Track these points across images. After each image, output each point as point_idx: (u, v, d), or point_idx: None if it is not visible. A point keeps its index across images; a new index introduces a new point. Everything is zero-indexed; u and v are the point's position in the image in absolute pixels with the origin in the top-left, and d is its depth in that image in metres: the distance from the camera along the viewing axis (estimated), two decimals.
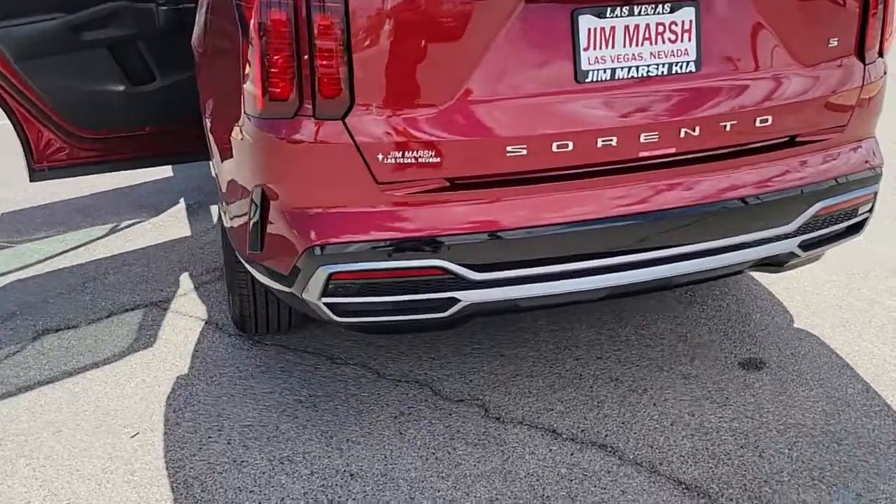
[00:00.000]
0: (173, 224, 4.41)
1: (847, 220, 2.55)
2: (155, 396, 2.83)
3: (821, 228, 2.48)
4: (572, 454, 2.46)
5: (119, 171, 4.18)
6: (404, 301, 2.20)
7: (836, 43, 2.36)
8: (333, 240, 2.14)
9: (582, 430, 2.57)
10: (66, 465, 2.51)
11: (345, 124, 2.08)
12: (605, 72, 2.15)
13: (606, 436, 2.54)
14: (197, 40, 2.87)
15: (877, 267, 3.53)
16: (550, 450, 2.49)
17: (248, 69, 2.15)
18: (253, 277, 2.72)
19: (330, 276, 2.14)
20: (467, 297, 2.20)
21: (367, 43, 2.04)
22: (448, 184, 2.15)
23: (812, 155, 2.42)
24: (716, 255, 2.34)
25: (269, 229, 2.27)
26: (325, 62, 2.02)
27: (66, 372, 3.01)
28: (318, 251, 2.14)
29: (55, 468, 2.49)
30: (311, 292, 2.20)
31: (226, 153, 2.47)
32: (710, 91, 2.24)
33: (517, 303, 2.28)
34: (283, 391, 2.83)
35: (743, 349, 2.98)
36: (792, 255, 2.48)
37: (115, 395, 2.84)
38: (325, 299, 2.19)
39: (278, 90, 2.06)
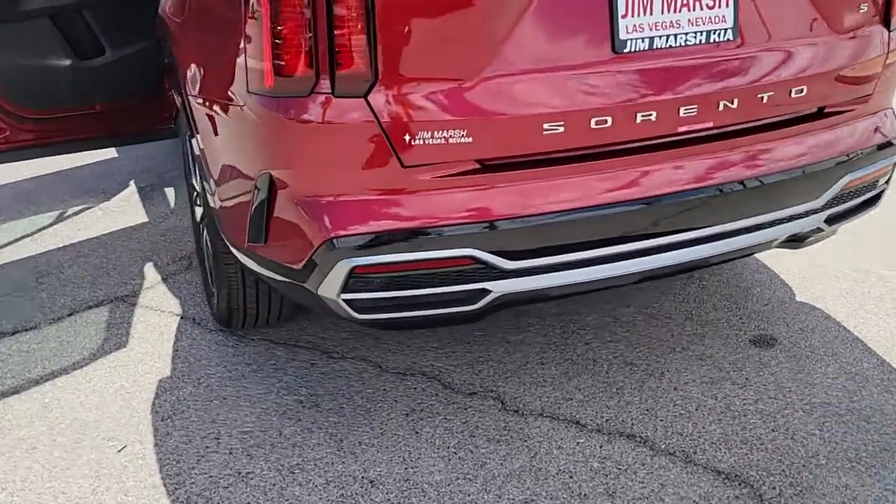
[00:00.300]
0: (126, 209, 4.09)
1: (868, 192, 2.48)
2: (138, 404, 2.58)
3: (846, 202, 2.40)
4: (601, 447, 2.34)
5: (66, 153, 3.85)
6: (432, 294, 2.02)
7: (865, 9, 2.26)
8: (355, 230, 1.94)
9: (606, 420, 2.45)
10: (48, 487, 2.25)
11: (367, 102, 1.87)
12: (643, 41, 2.00)
13: (633, 425, 2.42)
14: (172, 7, 2.59)
15: (868, 234, 3.51)
16: (578, 443, 2.36)
17: (251, 40, 1.91)
18: (243, 268, 2.49)
19: (352, 270, 1.94)
20: (499, 287, 2.04)
21: (391, 10, 1.83)
22: (479, 166, 1.97)
23: (840, 127, 2.32)
24: (750, 232, 2.23)
25: (277, 219, 2.06)
26: (345, 31, 1.81)
27: (31, 380, 2.72)
28: (337, 243, 1.94)
29: (36, 492, 2.24)
30: (329, 288, 2.00)
31: (218, 134, 2.23)
32: (748, 60, 2.11)
33: (549, 292, 2.13)
34: (280, 391, 2.62)
35: (751, 325, 2.91)
36: (817, 230, 2.39)
37: (92, 405, 2.58)
38: (344, 295, 1.99)
39: (291, 64, 1.84)
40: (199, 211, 3.00)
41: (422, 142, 1.90)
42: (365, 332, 2.90)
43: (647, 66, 2.02)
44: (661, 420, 2.44)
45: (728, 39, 2.08)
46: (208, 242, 2.78)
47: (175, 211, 4.03)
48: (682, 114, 2.05)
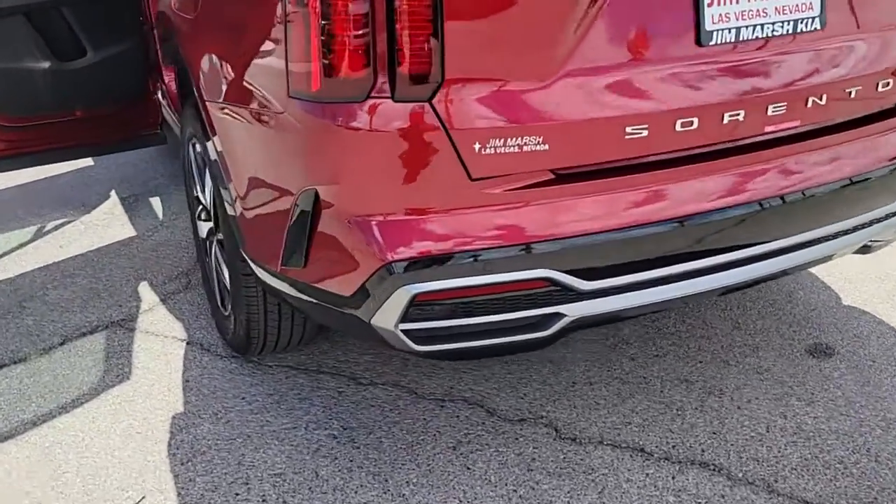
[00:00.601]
0: (111, 222, 3.79)
1: None
2: (152, 445, 2.31)
3: None
4: (673, 477, 2.14)
5: (45, 164, 3.54)
6: (500, 321, 1.80)
7: None
8: (416, 253, 1.70)
9: (673, 447, 2.25)
10: None
11: (432, 107, 1.64)
12: (729, 32, 1.80)
13: (702, 451, 2.23)
14: (180, 2, 2.32)
15: None
16: (647, 474, 2.16)
17: (293, 36, 1.66)
18: (265, 291, 2.25)
19: (413, 298, 1.71)
20: (574, 310, 1.82)
21: (461, 2, 1.59)
22: (553, 176, 1.75)
23: None
24: (836, 238, 2.04)
25: (321, 241, 1.81)
26: (410, 26, 1.57)
27: (26, 422, 2.44)
28: (397, 268, 1.70)
29: None
30: (386, 318, 1.76)
31: (246, 143, 1.97)
32: (836, 52, 1.92)
33: (624, 313, 1.92)
34: (309, 425, 2.37)
35: (803, 333, 2.73)
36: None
37: (99, 448, 2.31)
38: (403, 326, 1.76)
39: (343, 65, 1.60)
40: (204, 226, 2.73)
41: (493, 151, 1.67)
42: (392, 355, 2.66)
43: (733, 60, 1.82)
44: (732, 444, 2.25)
45: (815, 29, 1.89)
46: (221, 262, 2.51)
47: (165, 223, 3.74)
48: (769, 112, 1.85)
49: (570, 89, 1.70)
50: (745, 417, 2.35)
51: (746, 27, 1.81)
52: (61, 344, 2.82)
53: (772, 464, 2.18)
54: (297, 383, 2.55)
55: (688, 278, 1.88)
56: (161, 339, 2.82)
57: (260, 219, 2.00)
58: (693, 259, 1.86)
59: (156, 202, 3.99)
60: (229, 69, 1.99)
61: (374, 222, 1.71)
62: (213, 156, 2.19)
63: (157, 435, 2.35)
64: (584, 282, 1.78)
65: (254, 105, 1.88)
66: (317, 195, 1.76)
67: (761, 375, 2.54)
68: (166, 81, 3.72)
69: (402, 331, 1.77)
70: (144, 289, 3.16)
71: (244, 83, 1.91)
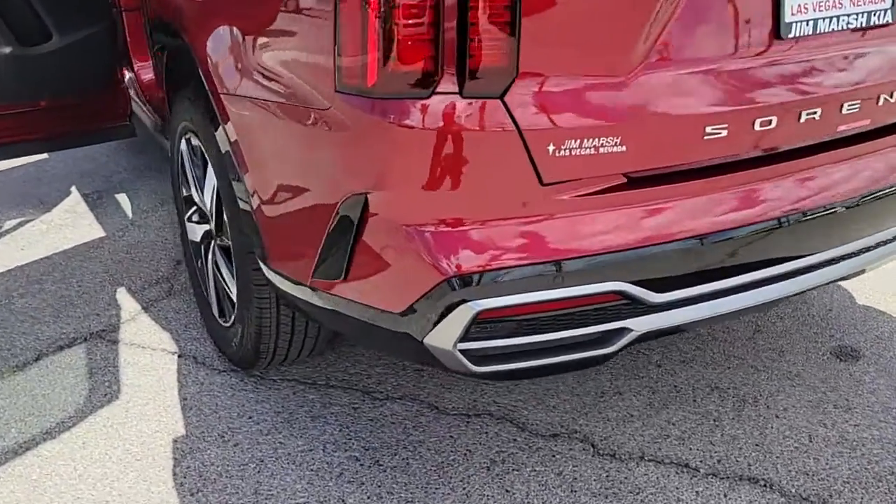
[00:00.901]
0: (75, 222, 3.50)
1: None
2: (155, 474, 2.09)
3: None
4: (725, 496, 2.03)
5: (5, 158, 3.22)
6: (564, 339, 1.64)
7: None
8: (481, 266, 1.53)
9: (718, 461, 2.14)
10: None
11: (504, 104, 1.47)
12: (806, 24, 1.67)
13: (749, 465, 2.12)
14: None
15: None
16: (697, 492, 2.04)
17: (343, 24, 1.47)
18: (278, 302, 2.05)
19: (476, 315, 1.54)
20: (641, 324, 1.68)
21: None
22: (626, 180, 1.60)
23: None
24: (886, 245, 1.96)
25: (368, 252, 1.63)
26: (485, 13, 1.39)
27: (7, 450, 2.19)
28: (460, 283, 1.53)
29: None
30: (443, 337, 1.59)
31: (273, 141, 1.77)
32: None
33: (689, 326, 1.79)
34: (327, 446, 2.18)
35: (825, 336, 2.66)
36: None
37: (95, 479, 2.08)
38: (462, 345, 1.59)
39: (410, 56, 1.42)
40: (198, 229, 2.50)
41: (567, 153, 1.51)
42: (406, 366, 2.49)
43: (811, 54, 1.70)
44: (779, 457, 2.15)
45: (887, 22, 1.78)
46: (223, 269, 2.30)
47: (136, 222, 3.47)
48: (844, 111, 1.74)
49: (650, 86, 1.56)
50: (785, 427, 2.26)
51: (823, 19, 1.69)
52: (36, 359, 2.55)
53: (822, 477, 2.09)
54: (306, 399, 2.36)
55: (753, 288, 1.76)
56: (149, 351, 2.59)
57: (287, 225, 1.81)
58: (763, 267, 1.74)
59: (122, 199, 3.71)
60: (255, 58, 1.77)
61: (434, 232, 1.54)
62: (223, 150, 1.97)
63: (160, 462, 2.13)
64: (655, 294, 1.65)
65: (287, 100, 1.67)
66: (366, 201, 1.57)
67: (792, 381, 2.45)
68: (136, 69, 3.46)
69: (460, 351, 1.60)
70: (123, 296, 2.91)
71: (275, 74, 1.70)
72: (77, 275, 3.05)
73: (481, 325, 1.57)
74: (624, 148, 1.55)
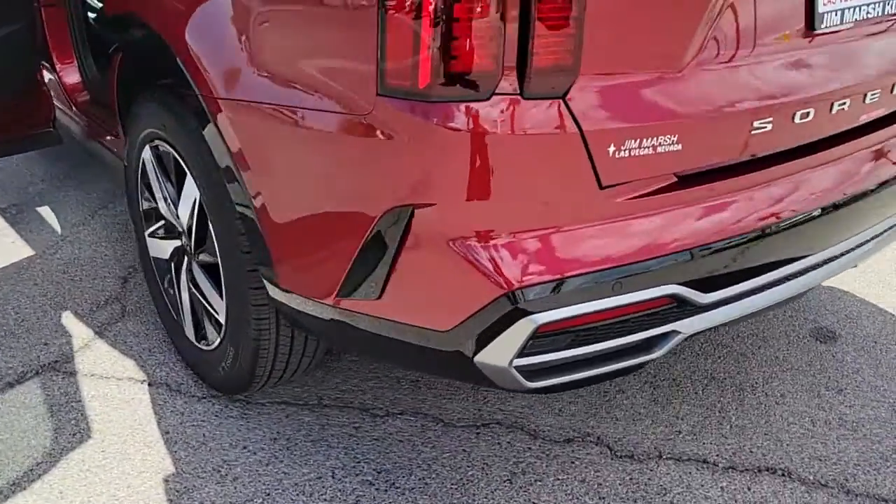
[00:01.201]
0: None
1: None
2: None
3: None
4: (749, 489, 2.03)
5: None
6: (615, 347, 1.58)
7: None
8: (541, 278, 1.45)
9: (733, 454, 2.14)
10: None
11: (566, 105, 1.38)
12: (836, 14, 1.66)
13: (763, 455, 2.13)
14: None
15: None
16: (721, 488, 2.03)
17: (392, 19, 1.34)
18: (278, 320, 1.91)
19: (536, 329, 1.45)
20: (688, 326, 1.64)
21: None
22: (676, 179, 1.55)
23: None
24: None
25: (410, 268, 1.51)
26: (551, 6, 1.29)
27: None
28: (520, 296, 1.43)
29: None
30: (498, 354, 1.49)
31: (293, 152, 1.61)
32: None
33: (729, 324, 1.76)
34: (336, 472, 2.05)
35: (801, 318, 2.72)
36: None
37: None
38: (519, 361, 1.50)
39: (468, 54, 1.30)
40: (167, 245, 2.29)
41: (627, 153, 1.44)
42: (398, 378, 2.37)
43: (840, 45, 1.69)
44: (789, 444, 2.17)
45: None
46: (207, 288, 2.11)
47: (66, 237, 3.18)
48: (867, 101, 1.75)
49: (702, 81, 1.51)
50: (788, 413, 2.29)
51: (849, 9, 1.69)
52: None
53: (834, 462, 2.12)
54: (302, 422, 2.21)
55: (787, 280, 1.75)
56: (114, 382, 2.36)
57: (305, 243, 1.66)
58: (799, 260, 1.73)
59: (46, 212, 3.40)
60: (268, 58, 1.60)
61: (491, 244, 1.44)
62: (222, 163, 1.78)
63: None
64: (703, 294, 1.60)
65: (312, 105, 1.52)
66: (412, 214, 1.45)
67: (781, 366, 2.48)
68: (59, 71, 3.16)
69: (516, 368, 1.51)
70: (69, 321, 2.65)
71: (296, 76, 1.54)
72: (11, 301, 2.75)
73: (538, 338, 1.48)
74: (679, 146, 1.49)
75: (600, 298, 1.48)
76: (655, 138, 1.46)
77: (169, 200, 2.18)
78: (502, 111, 1.36)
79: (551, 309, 1.45)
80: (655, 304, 1.55)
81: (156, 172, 2.20)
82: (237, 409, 2.25)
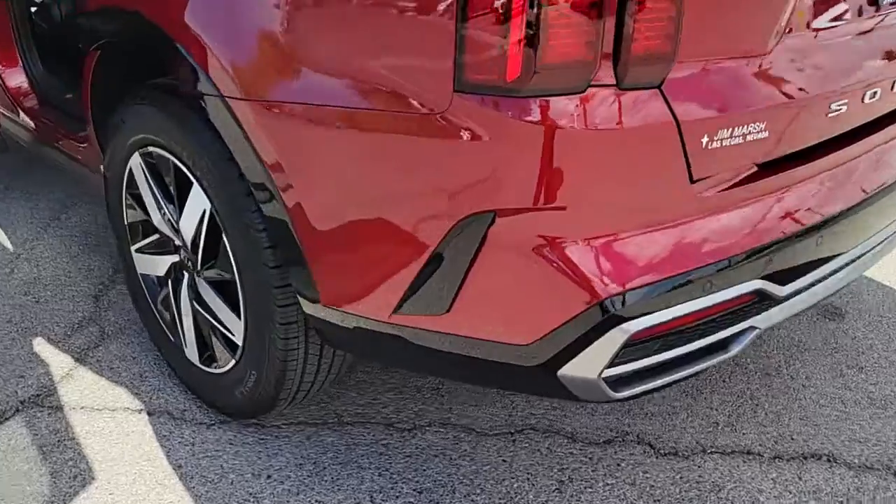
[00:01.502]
0: None
1: None
2: None
3: None
4: (800, 478, 1.99)
5: None
6: (699, 348, 1.49)
7: None
8: (636, 282, 1.34)
9: (775, 443, 2.09)
10: None
11: (662, 95, 1.27)
12: None
13: (805, 442, 2.10)
14: None
15: None
16: (773, 480, 1.98)
17: (473, 5, 1.20)
18: (307, 337, 1.76)
19: (630, 337, 1.35)
20: (763, 321, 1.57)
21: None
22: (756, 168, 1.46)
23: None
24: None
25: (485, 279, 1.38)
26: None
27: None
28: (612, 304, 1.33)
29: None
30: (586, 366, 1.38)
31: (343, 157, 1.45)
32: None
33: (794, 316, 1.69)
34: (375, 496, 1.91)
35: None
36: None
37: None
38: (609, 372, 1.39)
39: (564, 43, 1.18)
40: (163, 261, 2.09)
41: (719, 144, 1.35)
42: (417, 387, 2.24)
43: (893, 21, 1.63)
44: (827, 428, 2.14)
45: None
46: (215, 308, 1.92)
47: (21, 255, 2.90)
48: None
49: (788, 63, 1.42)
50: (817, 395, 2.26)
51: None
52: None
53: (874, 443, 2.10)
54: (325, 444, 2.05)
55: (848, 265, 1.70)
56: (108, 414, 2.15)
57: (357, 254, 1.50)
58: (861, 244, 1.68)
59: None
60: (311, 55, 1.42)
61: (580, 249, 1.32)
62: (250, 172, 1.60)
63: None
64: (780, 287, 1.53)
65: (369, 104, 1.36)
66: (492, 220, 1.32)
67: (799, 347, 2.46)
68: (1, 72, 2.88)
69: (605, 379, 1.40)
70: (44, 348, 2.40)
71: (350, 74, 1.38)
72: None
73: (631, 347, 1.38)
74: (766, 133, 1.41)
75: (693, 299, 1.39)
76: (745, 126, 1.37)
77: (165, 212, 1.98)
78: (598, 104, 1.24)
79: (645, 315, 1.35)
80: (741, 300, 1.47)
81: (148, 182, 1.99)
82: (252, 435, 2.07)
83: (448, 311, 1.43)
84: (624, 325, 1.34)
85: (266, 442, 2.05)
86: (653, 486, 1.95)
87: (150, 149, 1.93)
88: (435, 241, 1.37)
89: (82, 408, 2.17)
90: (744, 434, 2.12)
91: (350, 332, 1.61)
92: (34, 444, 2.04)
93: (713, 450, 2.07)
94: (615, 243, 1.34)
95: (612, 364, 1.39)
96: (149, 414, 2.15)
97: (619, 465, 2.02)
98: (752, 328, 1.55)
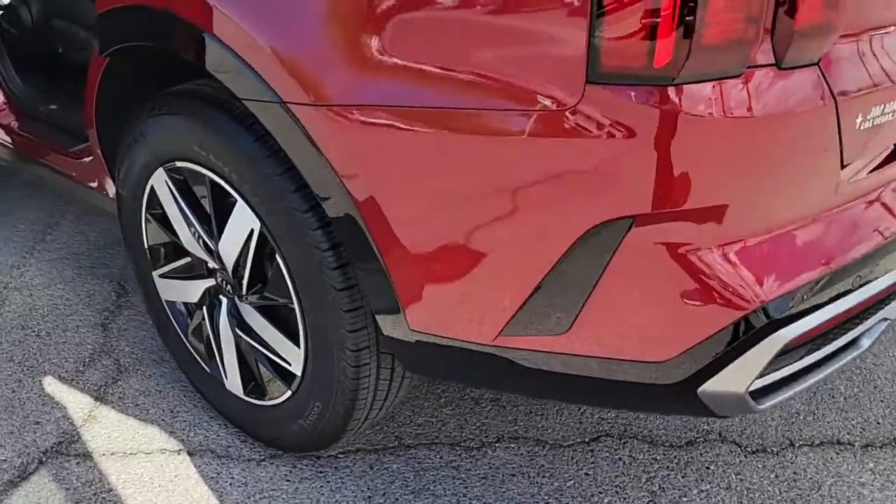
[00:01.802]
0: None
1: None
2: None
3: None
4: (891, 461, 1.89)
5: None
6: (838, 348, 1.36)
7: None
8: (789, 286, 1.20)
9: (862, 430, 2.00)
10: None
11: (821, 72, 1.12)
12: None
13: (891, 425, 2.01)
14: None
15: None
16: (871, 470, 1.89)
17: None
18: (379, 362, 1.59)
19: (785, 345, 1.21)
20: (893, 311, 1.44)
21: None
22: (893, 149, 1.33)
23: None
24: None
25: (618, 293, 1.22)
26: None
27: None
28: (766, 313, 1.18)
29: None
30: (732, 381, 1.24)
31: (441, 165, 1.27)
32: None
33: None
34: None
35: None
36: None
37: None
38: (758, 383, 1.25)
39: (724, 21, 1.02)
40: (192, 286, 1.88)
41: (871, 123, 1.21)
42: (476, 400, 2.08)
43: None
44: (875, 414, 2.05)
45: None
46: (267, 336, 1.73)
47: (10, 284, 2.64)
48: None
49: None
50: (889, 373, 2.18)
51: None
52: None
53: None
54: (391, 472, 1.88)
55: None
56: (143, 458, 1.94)
57: (456, 273, 1.33)
58: None
59: None
60: (402, 48, 1.23)
61: (728, 254, 1.17)
62: (317, 187, 1.40)
63: None
64: None
65: (480, 104, 1.18)
66: (630, 227, 1.16)
67: None
68: None
69: (751, 392, 1.26)
70: (56, 389, 2.17)
71: (454, 68, 1.19)
72: None
73: (784, 354, 1.24)
74: None
75: (844, 297, 1.26)
76: (893, 102, 1.23)
77: (199, 233, 1.77)
78: (758, 88, 1.09)
79: (798, 319, 1.21)
80: (885, 292, 1.34)
81: (176, 201, 1.78)
82: (310, 469, 1.89)
83: (568, 329, 1.27)
84: (780, 332, 1.20)
85: (326, 475, 1.87)
86: (749, 488, 1.84)
87: (179, 164, 1.72)
88: (555, 255, 1.20)
89: (112, 454, 1.95)
90: (827, 423, 2.02)
91: (441, 356, 1.44)
92: (68, 500, 1.83)
93: (801, 442, 1.96)
94: (767, 243, 1.19)
95: (762, 375, 1.25)
96: (189, 454, 1.94)
97: (708, 468, 1.89)
98: (885, 319, 1.43)
